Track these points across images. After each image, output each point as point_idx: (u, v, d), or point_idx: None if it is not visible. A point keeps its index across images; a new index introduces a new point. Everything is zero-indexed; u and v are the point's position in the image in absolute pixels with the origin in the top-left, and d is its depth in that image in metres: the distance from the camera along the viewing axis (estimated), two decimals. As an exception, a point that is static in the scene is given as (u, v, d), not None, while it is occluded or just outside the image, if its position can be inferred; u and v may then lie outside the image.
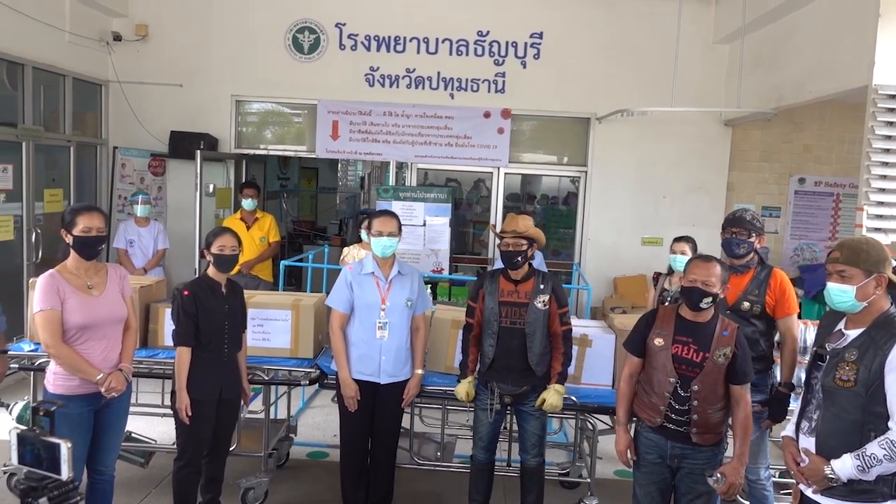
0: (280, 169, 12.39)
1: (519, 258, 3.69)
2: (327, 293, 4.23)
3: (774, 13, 6.11)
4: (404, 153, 7.83)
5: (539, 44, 7.64)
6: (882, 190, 4.82)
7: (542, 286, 3.72)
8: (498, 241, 3.84)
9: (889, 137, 4.77)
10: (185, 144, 7.47)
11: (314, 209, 13.52)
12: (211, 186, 7.54)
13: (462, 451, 4.62)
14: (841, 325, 2.62)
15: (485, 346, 3.76)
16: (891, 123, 4.75)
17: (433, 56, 7.71)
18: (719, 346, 3.03)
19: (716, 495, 3.08)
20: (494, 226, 3.96)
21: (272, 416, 4.57)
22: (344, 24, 7.71)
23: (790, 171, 7.79)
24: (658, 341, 3.13)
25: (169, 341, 3.89)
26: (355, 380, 3.80)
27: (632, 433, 3.28)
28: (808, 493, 2.62)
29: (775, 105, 6.35)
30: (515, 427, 4.06)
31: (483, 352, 3.77)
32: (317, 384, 4.30)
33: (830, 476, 2.47)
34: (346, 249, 6.24)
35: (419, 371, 3.94)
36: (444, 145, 7.77)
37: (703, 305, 3.04)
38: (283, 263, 5.71)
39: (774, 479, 4.38)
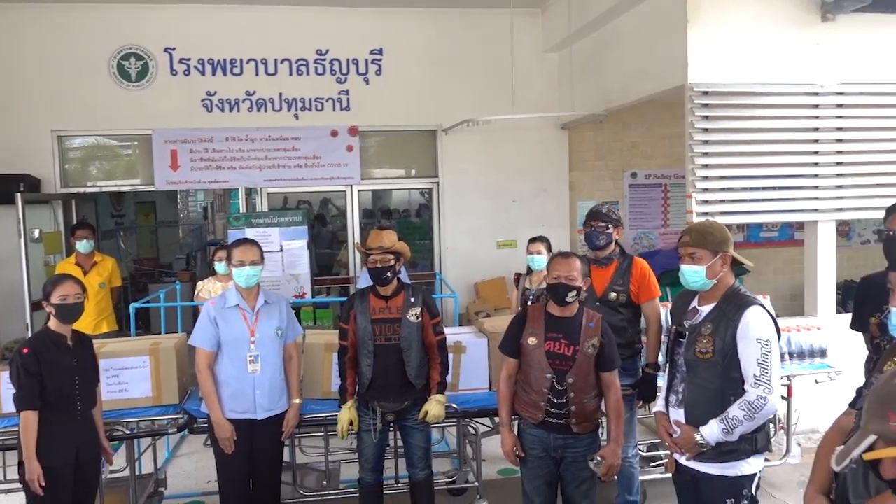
0: (113, 206, 11.56)
1: (388, 274, 3.68)
2: (186, 332, 3.97)
3: (596, 22, 6.57)
4: (252, 178, 7.57)
5: (380, 60, 7.69)
6: (705, 178, 5.32)
7: (412, 299, 3.73)
8: (364, 258, 3.80)
9: (706, 130, 5.28)
10: (1, 188, 6.73)
11: (155, 245, 12.71)
12: (36, 231, 6.85)
13: (348, 475, 4.52)
14: (694, 303, 2.85)
15: (362, 366, 3.70)
16: (706, 117, 5.26)
17: (273, 77, 7.52)
18: (587, 337, 3.19)
19: (597, 478, 3.24)
20: (359, 243, 3.92)
21: (137, 472, 4.22)
22: (174, 49, 7.33)
23: (623, 167, 8.39)
24: (531, 340, 3.24)
25: (9, 407, 3.47)
26: (229, 419, 3.59)
27: (515, 431, 3.36)
28: (682, 460, 2.82)
29: (605, 107, 6.82)
30: (400, 443, 4.04)
31: (361, 372, 3.71)
32: (185, 430, 4.03)
33: (701, 442, 2.68)
34: (199, 284, 5.94)
35: (297, 401, 3.80)
36: (293, 167, 7.60)
37: (568, 299, 3.18)
38: (132, 306, 5.30)
39: (643, 454, 4.68)
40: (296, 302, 6.74)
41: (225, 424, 3.57)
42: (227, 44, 7.40)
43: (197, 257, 11.68)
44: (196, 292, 5.86)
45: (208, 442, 4.09)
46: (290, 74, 7.57)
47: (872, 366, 3.23)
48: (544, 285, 3.46)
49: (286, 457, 4.23)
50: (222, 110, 7.47)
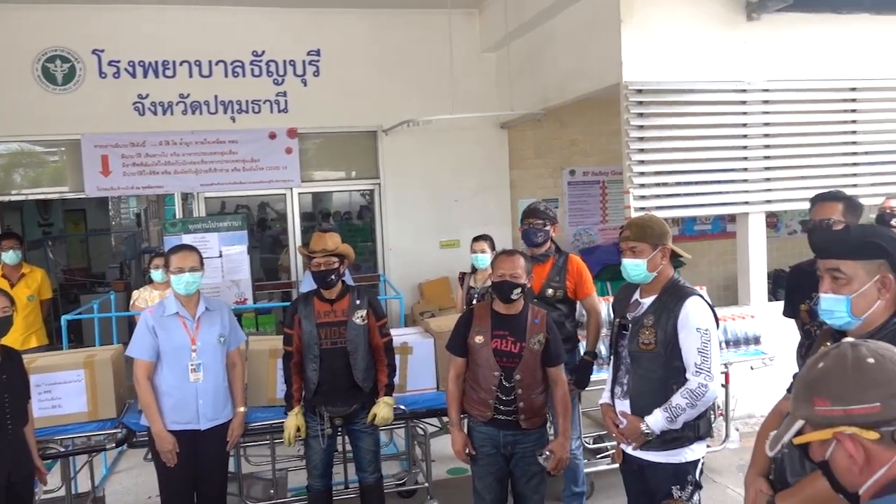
0: (40, 214, 11.09)
1: (332, 276, 3.63)
2: (123, 344, 3.84)
3: (533, 22, 6.65)
4: (188, 183, 7.37)
5: (317, 61, 7.60)
6: (641, 174, 5.45)
7: (358, 301, 3.69)
8: (307, 261, 3.75)
9: (641, 127, 5.41)
10: (-85, 198, 6.37)
11: (86, 254, 12.25)
12: (-43, 243, 6.50)
13: (296, 483, 4.45)
14: (636, 296, 2.92)
15: (308, 371, 3.65)
16: (641, 115, 5.39)
17: (208, 79, 7.34)
18: (533, 333, 3.22)
19: (546, 472, 3.28)
20: (302, 247, 3.86)
21: (74, 491, 4.05)
22: (102, 51, 7.07)
23: (561, 165, 8.52)
24: (478, 339, 3.26)
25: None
26: (171, 431, 3.49)
27: (465, 430, 3.37)
28: (629, 450, 2.88)
29: (543, 106, 6.91)
30: (349, 447, 4.00)
31: (307, 378, 3.66)
32: (123, 445, 3.89)
33: (646, 431, 2.75)
34: (135, 293, 5.74)
35: (241, 409, 3.72)
36: (230, 171, 7.43)
37: (513, 297, 3.21)
38: (64, 318, 5.08)
39: (588, 446, 4.77)
40: (237, 308, 6.59)
41: (166, 437, 3.46)
42: (158, 45, 7.18)
43: (131, 266, 11.30)
44: (132, 302, 5.66)
45: (149, 456, 3.97)
46: (226, 76, 7.40)
47: (804, 351, 3.37)
48: (489, 283, 3.48)
49: (231, 467, 4.14)
50: (155, 113, 7.25)
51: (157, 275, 5.44)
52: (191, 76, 7.30)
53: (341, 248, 3.68)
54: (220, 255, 6.75)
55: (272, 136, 7.52)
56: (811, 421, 1.26)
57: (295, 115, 7.56)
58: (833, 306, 1.89)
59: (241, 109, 7.46)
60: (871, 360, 1.22)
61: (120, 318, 6.03)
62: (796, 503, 1.88)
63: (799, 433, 1.29)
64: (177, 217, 7.45)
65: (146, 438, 3.61)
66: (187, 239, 6.41)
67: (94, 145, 7.06)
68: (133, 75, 7.17)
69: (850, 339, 1.77)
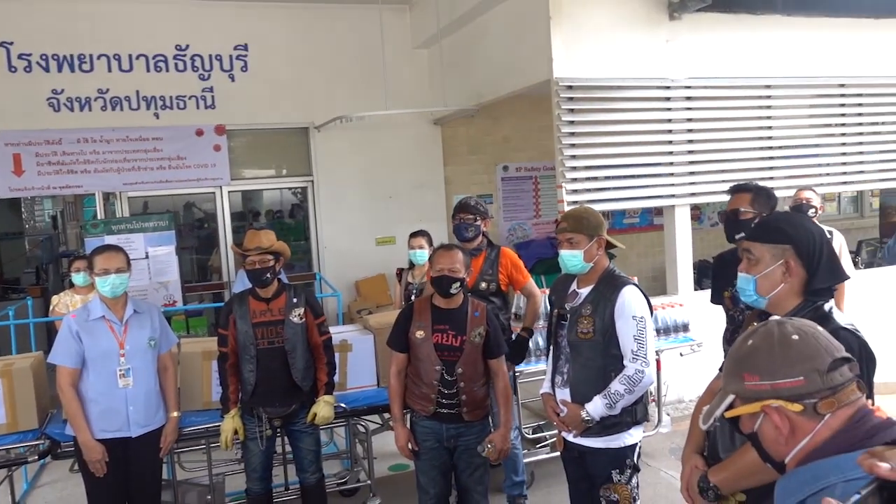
0: (-54, 218, 10.42)
1: (268, 275, 3.56)
2: (45, 351, 3.65)
3: (464, 18, 6.68)
4: (110, 182, 7.07)
5: (245, 56, 7.41)
6: (573, 168, 5.56)
7: (295, 300, 3.63)
8: (240, 260, 3.66)
9: (572, 122, 5.52)
10: None
11: (-2, 259, 11.59)
12: None
13: (234, 487, 4.33)
14: (573, 286, 2.97)
15: (244, 372, 3.56)
16: (572, 111, 5.50)
17: (129, 74, 7.05)
18: (473, 326, 3.25)
19: (489, 463, 3.31)
20: (236, 245, 3.77)
21: (-7, 508, 3.83)
22: (11, 44, 6.69)
23: (495, 161, 8.61)
24: (419, 334, 3.26)
25: None
26: (100, 440, 3.33)
27: (408, 425, 3.36)
28: (570, 438, 2.94)
29: (476, 102, 6.96)
30: (288, 448, 3.93)
31: (243, 379, 3.57)
32: (47, 457, 3.70)
33: (587, 418, 2.80)
34: (55, 298, 5.47)
35: (174, 414, 3.59)
36: (155, 169, 7.17)
37: (452, 291, 3.22)
38: (-24, 326, 4.79)
39: (528, 436, 4.84)
40: (166, 311, 6.36)
41: (94, 446, 3.31)
42: (73, 38, 6.85)
43: (48, 270, 10.76)
44: (51, 307, 5.39)
45: (75, 467, 3.78)
46: (148, 71, 7.13)
47: (730, 336, 3.52)
48: (426, 279, 3.48)
49: (165, 474, 4.00)
50: (72, 109, 6.92)
51: (78, 278, 5.19)
52: (110, 70, 7.00)
53: (276, 245, 3.61)
54: (147, 257, 6.51)
55: (199, 132, 7.30)
56: (741, 395, 1.32)
57: (223, 111, 7.36)
58: (743, 284, 2.01)
59: (166, 105, 7.21)
60: (795, 337, 1.29)
61: (38, 324, 5.73)
62: (727, 476, 1.97)
63: (730, 407, 1.35)
64: (98, 218, 7.13)
65: (72, 449, 3.44)
66: (111, 240, 6.14)
67: (4, 143, 6.68)
68: (46, 69, 6.82)
69: (776, 317, 1.88)
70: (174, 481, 4.15)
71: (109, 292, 3.38)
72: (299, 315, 3.59)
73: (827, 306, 1.90)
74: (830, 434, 1.23)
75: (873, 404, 1.34)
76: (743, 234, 3.21)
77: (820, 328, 1.33)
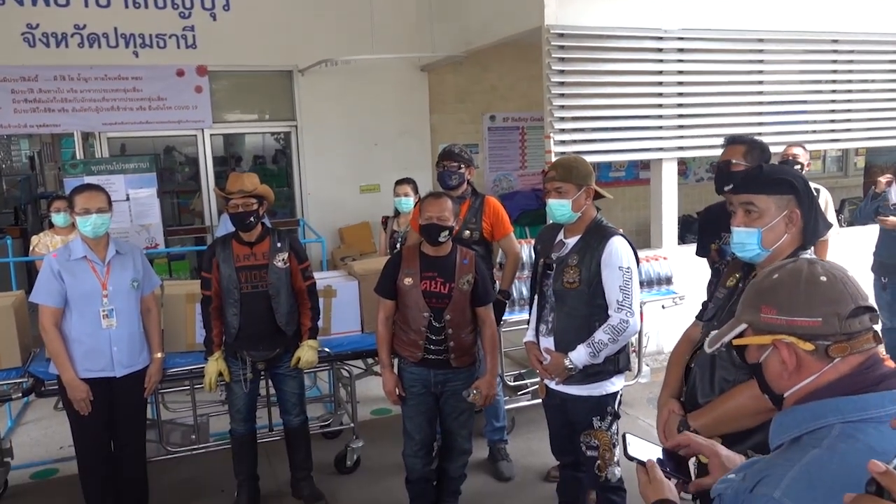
0: (-80, 155, 10.16)
1: (251, 219, 3.51)
2: (26, 291, 3.61)
3: (454, -40, 6.51)
4: (88, 122, 6.91)
5: (227, -7, 7.19)
6: (562, 118, 5.51)
7: (279, 244, 3.60)
8: (224, 204, 3.61)
9: (562, 72, 5.44)
10: None
11: (-26, 200, 11.38)
12: None
13: (218, 428, 4.37)
14: (560, 236, 2.97)
15: (228, 316, 3.55)
16: (563, 59, 5.42)
17: (106, 10, 6.82)
18: (462, 274, 3.25)
19: (474, 408, 3.36)
20: (219, 188, 3.71)
21: (-23, 445, 3.84)
22: (-18, -26, 6.44)
23: (482, 110, 8.51)
24: (407, 281, 3.25)
25: None
26: (84, 379, 3.33)
27: (395, 371, 3.39)
28: (552, 385, 2.98)
29: (464, 49, 6.83)
30: (273, 391, 3.96)
31: (227, 322, 3.56)
32: (30, 395, 3.70)
33: (570, 366, 2.84)
34: (35, 238, 5.40)
35: (158, 355, 3.59)
36: (135, 109, 7.02)
37: (441, 239, 3.21)
38: (-45, 265, 4.73)
39: (510, 384, 4.91)
40: (148, 253, 6.32)
41: (79, 385, 3.30)
42: (48, -31, 6.60)
43: (27, 211, 10.59)
44: (31, 247, 5.32)
45: (59, 405, 3.79)
46: (126, 7, 6.91)
47: (713, 289, 3.53)
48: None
49: (150, 414, 4.02)
50: (47, 45, 6.71)
51: (59, 218, 5.12)
52: (87, 6, 6.78)
53: (260, 188, 3.56)
54: (128, 199, 6.42)
55: (180, 73, 7.12)
56: (754, 326, 1.33)
57: (204, 51, 7.18)
58: (745, 239, 1.97)
59: (145, 44, 7.01)
60: (823, 279, 1.28)
61: (18, 264, 5.66)
62: (707, 422, 2.00)
63: (740, 336, 1.36)
64: (77, 158, 6.98)
65: (56, 387, 3.44)
66: (91, 181, 6.03)
67: (-22, 78, 6.49)
68: (20, 2, 6.60)
69: (807, 255, 1.88)
70: (158, 421, 4.18)
71: (91, 232, 3.33)
72: (283, 260, 3.57)
73: (805, 255, 1.91)
74: (836, 377, 1.24)
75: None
76: (731, 186, 3.21)
77: (851, 274, 1.31)
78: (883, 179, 5.22)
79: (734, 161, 3.15)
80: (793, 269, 1.32)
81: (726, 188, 3.20)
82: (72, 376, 3.29)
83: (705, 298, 2.48)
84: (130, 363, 3.45)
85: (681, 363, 2.21)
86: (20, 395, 3.62)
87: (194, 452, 4.17)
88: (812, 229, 1.93)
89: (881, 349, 1.30)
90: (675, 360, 2.29)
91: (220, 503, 3.88)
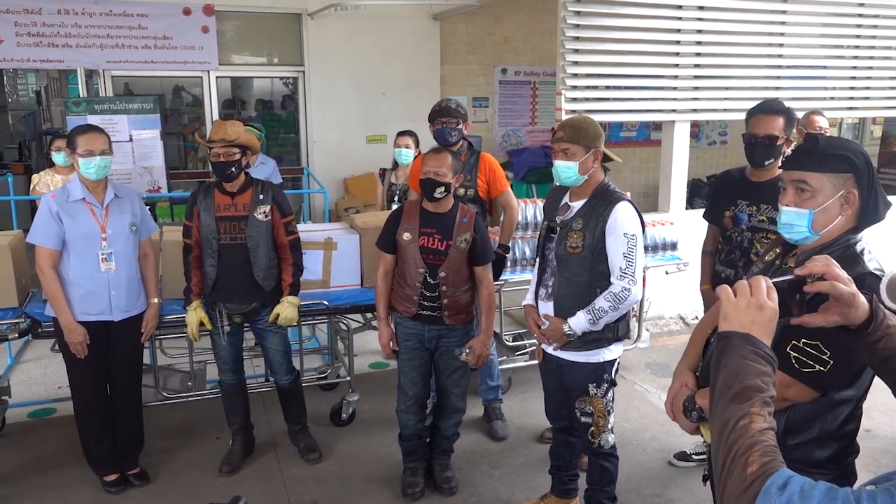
0: (-77, 86, 10.05)
1: (233, 169, 3.41)
2: (24, 230, 3.57)
3: None
4: (92, 58, 6.78)
5: (236, -70, 6.97)
6: (575, 75, 5.36)
7: (261, 196, 3.49)
8: (207, 151, 3.52)
9: (578, 27, 5.27)
10: None
11: (-21, 133, 11.32)
12: None
13: (215, 375, 4.37)
14: (566, 199, 2.90)
15: (206, 266, 3.50)
16: (578, 13, 5.24)
17: (112, -58, 6.62)
18: (460, 232, 3.20)
19: (468, 367, 3.35)
20: (203, 135, 3.61)
21: (-25, 382, 3.87)
22: None
23: (494, 63, 8.31)
24: (406, 236, 3.21)
25: None
26: (81, 322, 3.32)
27: (392, 326, 3.37)
28: (550, 350, 2.95)
29: (478, -3, 6.62)
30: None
31: (205, 272, 3.51)
32: (28, 335, 3.71)
33: (568, 332, 2.80)
34: (35, 177, 5.33)
35: (155, 300, 3.57)
36: (140, 48, 6.88)
37: (436, 195, 3.14)
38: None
39: (508, 343, 4.90)
40: (151, 196, 6.28)
41: (76, 327, 3.29)
42: None
43: (31, 147, 10.53)
44: (32, 186, 5.26)
45: (56, 347, 3.80)
46: (132, -61, 6.70)
47: (724, 257, 3.40)
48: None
49: (147, 359, 4.03)
50: (50, -23, 6.53)
51: (59, 158, 5.04)
52: (91, -63, 6.57)
53: (243, 138, 3.45)
54: (131, 140, 6.33)
55: (186, 12, 6.95)
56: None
57: (211, -11, 6.99)
58: (794, 220, 1.79)
59: (151, -21, 6.82)
60: None
61: (20, 202, 5.60)
62: (708, 403, 1.95)
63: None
64: (81, 96, 6.88)
65: (53, 329, 3.44)
66: (93, 120, 5.95)
67: (-20, 9, 6.35)
68: (24, -69, 6.38)
69: (859, 242, 1.78)
70: (155, 366, 4.20)
71: (94, 174, 3.27)
72: (264, 213, 3.48)
73: (860, 246, 1.76)
74: None
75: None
76: (772, 160, 3.08)
77: None
78: None
79: (778, 135, 3.02)
80: None
81: (767, 162, 3.09)
82: (69, 319, 3.28)
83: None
84: (128, 307, 3.43)
85: (703, 336, 2.12)
86: (17, 335, 3.61)
87: (190, 399, 4.20)
88: (871, 212, 1.77)
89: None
90: (699, 333, 2.17)
91: (215, 450, 3.91)
